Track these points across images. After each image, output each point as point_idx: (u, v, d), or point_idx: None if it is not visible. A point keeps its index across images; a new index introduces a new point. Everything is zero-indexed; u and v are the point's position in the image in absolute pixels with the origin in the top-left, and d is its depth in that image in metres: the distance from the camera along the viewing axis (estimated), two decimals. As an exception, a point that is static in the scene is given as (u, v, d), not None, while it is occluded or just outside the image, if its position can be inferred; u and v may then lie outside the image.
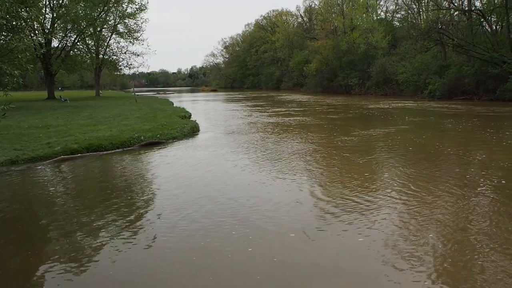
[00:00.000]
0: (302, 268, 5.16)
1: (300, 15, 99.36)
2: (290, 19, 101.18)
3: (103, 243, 6.08)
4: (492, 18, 39.98)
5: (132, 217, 7.22)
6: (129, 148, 14.31)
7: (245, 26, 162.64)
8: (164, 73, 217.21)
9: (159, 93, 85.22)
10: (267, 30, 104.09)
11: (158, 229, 6.58)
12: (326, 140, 15.83)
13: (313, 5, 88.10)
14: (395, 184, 8.89)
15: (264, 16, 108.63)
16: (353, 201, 7.76)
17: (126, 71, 61.78)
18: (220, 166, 11.33)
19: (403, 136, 16.12)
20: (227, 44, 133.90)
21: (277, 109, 32.06)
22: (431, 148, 13.46)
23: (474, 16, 40.02)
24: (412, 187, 8.63)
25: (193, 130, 18.63)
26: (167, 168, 11.25)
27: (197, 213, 7.26)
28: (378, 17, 63.08)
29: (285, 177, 9.82)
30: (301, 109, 32.55)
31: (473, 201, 7.65)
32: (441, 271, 5.03)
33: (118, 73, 61.78)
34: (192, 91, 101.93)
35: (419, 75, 42.96)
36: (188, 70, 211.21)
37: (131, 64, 61.40)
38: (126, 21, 53.29)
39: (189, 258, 5.49)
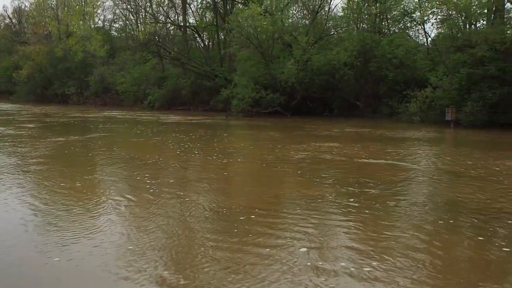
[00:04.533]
0: None
1: (8, 16, 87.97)
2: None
3: None
4: (205, 35, 42.87)
5: None
6: None
7: None
8: None
9: None
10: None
11: None
12: None
13: (23, 7, 79.03)
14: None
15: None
16: None
17: None
18: None
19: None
20: None
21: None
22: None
23: (189, 32, 42.12)
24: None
25: None
26: None
27: None
28: (96, 25, 60.66)
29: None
30: None
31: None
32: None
33: None
34: None
35: (139, 85, 42.58)
36: None
37: None
38: None
39: None
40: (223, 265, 4.66)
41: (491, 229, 5.94)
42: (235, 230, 5.83)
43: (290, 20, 34.28)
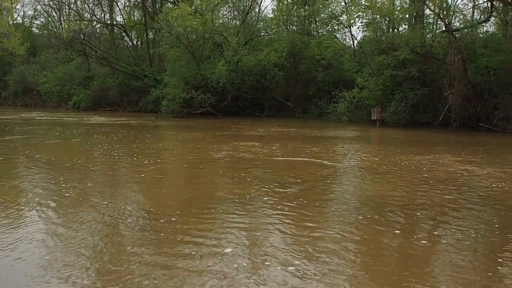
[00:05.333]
0: None
1: None
2: None
3: None
4: (133, 34, 41.67)
5: None
6: None
7: None
8: None
9: None
10: None
11: None
12: None
13: None
14: None
15: None
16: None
17: None
18: None
19: None
20: None
21: None
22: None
23: (116, 30, 40.76)
24: None
25: None
26: None
27: None
28: (15, 22, 57.12)
29: None
30: None
31: None
32: None
33: None
34: None
35: (62, 85, 40.71)
36: None
37: None
38: None
39: None
40: (151, 272, 4.36)
41: (410, 221, 6.03)
42: (159, 233, 5.52)
43: (220, 21, 34.13)
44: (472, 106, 20.14)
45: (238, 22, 34.33)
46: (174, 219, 6.05)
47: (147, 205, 6.84)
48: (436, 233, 5.60)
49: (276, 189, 7.83)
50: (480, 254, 4.90)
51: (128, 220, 6.04)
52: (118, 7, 42.93)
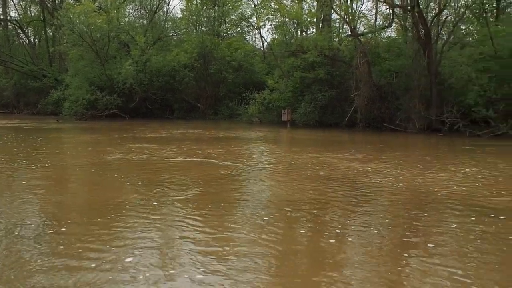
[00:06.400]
0: None
1: None
2: None
3: None
4: (30, 30, 38.61)
5: None
6: None
7: None
8: None
9: None
10: None
11: None
12: None
13: None
14: None
15: None
16: None
17: None
18: None
19: None
20: None
21: None
22: None
23: (11, 27, 37.55)
24: None
25: None
26: None
27: None
28: None
29: None
30: None
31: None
32: None
33: None
34: None
35: None
36: None
37: None
38: None
39: None
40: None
41: (319, 221, 5.78)
42: (50, 244, 4.67)
43: (126, 19, 32.60)
44: (376, 107, 20.79)
45: (145, 21, 33.00)
46: (64, 229, 5.23)
47: (26, 215, 5.87)
48: (338, 231, 5.42)
49: (171, 192, 7.21)
50: (384, 248, 4.80)
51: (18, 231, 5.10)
52: (13, 1, 39.54)
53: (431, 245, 4.89)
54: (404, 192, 7.52)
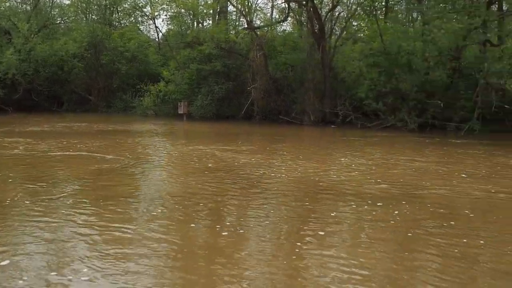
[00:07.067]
0: None
1: None
2: None
3: None
4: None
5: None
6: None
7: None
8: None
9: None
10: None
11: None
12: None
13: None
14: None
15: None
16: None
17: None
18: None
19: None
20: None
21: None
22: None
23: None
24: None
25: None
26: None
27: None
28: None
29: None
30: None
31: None
32: None
33: None
34: None
35: None
36: None
37: None
38: None
39: None
40: None
41: (216, 217, 5.63)
42: None
43: (7, 4, 29.71)
44: (273, 100, 21.00)
45: (29, 7, 30.33)
46: None
47: None
48: (235, 223, 5.36)
49: (48, 188, 6.55)
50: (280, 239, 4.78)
51: None
52: None
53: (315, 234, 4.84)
54: (286, 182, 7.46)
